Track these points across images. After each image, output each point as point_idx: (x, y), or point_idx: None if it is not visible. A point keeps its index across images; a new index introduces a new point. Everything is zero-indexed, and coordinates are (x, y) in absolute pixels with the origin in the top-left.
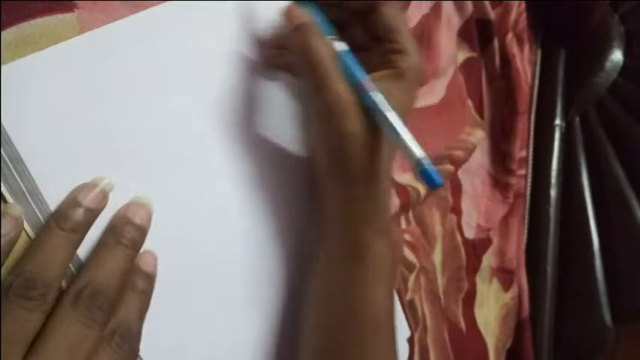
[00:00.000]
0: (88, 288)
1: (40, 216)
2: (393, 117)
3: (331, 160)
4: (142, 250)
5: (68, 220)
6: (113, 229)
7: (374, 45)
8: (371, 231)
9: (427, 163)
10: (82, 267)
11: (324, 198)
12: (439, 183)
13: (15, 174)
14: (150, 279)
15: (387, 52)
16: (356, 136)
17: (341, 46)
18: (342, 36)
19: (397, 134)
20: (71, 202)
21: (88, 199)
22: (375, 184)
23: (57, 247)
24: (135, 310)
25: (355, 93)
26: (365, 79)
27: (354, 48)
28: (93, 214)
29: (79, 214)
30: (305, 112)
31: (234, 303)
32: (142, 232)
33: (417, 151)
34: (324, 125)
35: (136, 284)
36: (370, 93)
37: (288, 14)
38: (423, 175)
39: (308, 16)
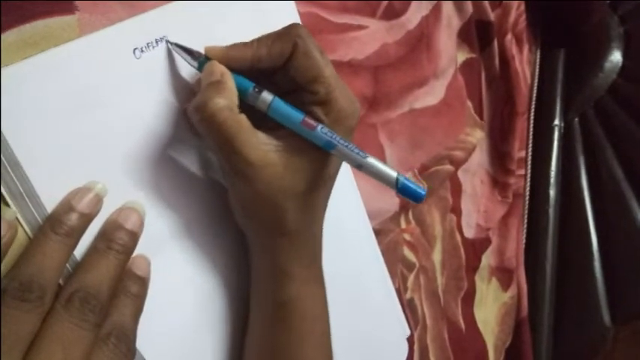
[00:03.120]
0: (80, 292)
1: (38, 218)
2: (352, 147)
3: (246, 214)
4: (134, 254)
5: (63, 224)
6: (104, 235)
7: (299, 94)
8: (294, 285)
9: (404, 179)
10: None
11: (249, 251)
12: (423, 194)
13: (13, 177)
14: (143, 283)
15: (310, 104)
16: (267, 193)
17: (268, 96)
18: (271, 81)
19: (363, 162)
20: (65, 206)
21: (82, 204)
22: (297, 234)
23: (52, 251)
24: (129, 313)
25: (265, 150)
26: (305, 118)
27: (285, 92)
28: (87, 218)
29: (73, 218)
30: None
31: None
32: (134, 237)
33: (391, 171)
34: (235, 183)
35: (129, 288)
36: (318, 128)
37: (204, 71)
38: (404, 191)
39: (224, 74)
